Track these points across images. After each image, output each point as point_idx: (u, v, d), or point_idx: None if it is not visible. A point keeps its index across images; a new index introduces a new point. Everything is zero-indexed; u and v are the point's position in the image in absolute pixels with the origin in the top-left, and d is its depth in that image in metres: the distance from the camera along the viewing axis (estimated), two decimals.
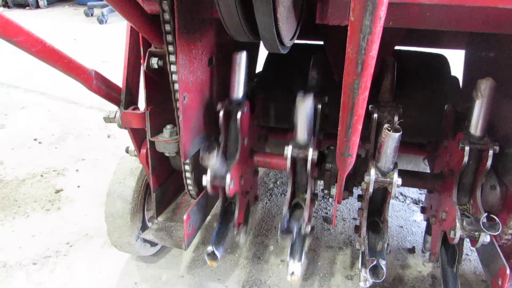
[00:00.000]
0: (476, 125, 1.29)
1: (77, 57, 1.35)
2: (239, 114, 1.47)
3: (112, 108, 1.61)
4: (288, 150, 1.40)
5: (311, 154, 1.38)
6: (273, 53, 2.26)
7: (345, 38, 0.73)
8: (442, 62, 2.16)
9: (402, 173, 1.57)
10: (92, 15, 7.56)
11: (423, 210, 1.70)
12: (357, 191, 1.64)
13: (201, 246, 2.03)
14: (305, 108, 1.31)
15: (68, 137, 3.15)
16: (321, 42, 2.02)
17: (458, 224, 1.25)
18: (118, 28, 6.66)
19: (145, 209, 1.82)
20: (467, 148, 1.27)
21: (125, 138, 2.98)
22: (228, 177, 1.41)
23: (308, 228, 1.57)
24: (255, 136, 1.75)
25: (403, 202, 2.34)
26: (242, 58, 1.47)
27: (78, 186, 2.49)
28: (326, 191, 1.62)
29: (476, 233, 1.23)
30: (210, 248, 1.48)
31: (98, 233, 2.09)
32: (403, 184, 1.67)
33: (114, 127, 3.12)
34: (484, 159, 1.29)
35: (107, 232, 1.75)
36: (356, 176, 1.56)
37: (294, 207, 1.64)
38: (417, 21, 1.19)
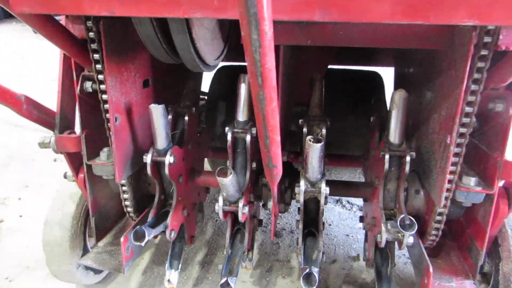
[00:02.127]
0: (394, 133, 1.38)
1: (26, 76, 1.34)
2: (166, 168, 1.44)
3: (48, 134, 1.60)
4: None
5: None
6: (220, 72, 2.34)
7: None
8: (376, 78, 2.30)
9: (335, 183, 1.65)
10: None
11: (361, 219, 1.77)
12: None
13: (149, 270, 1.99)
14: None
15: (12, 162, 3.03)
16: None
17: (383, 228, 1.32)
18: None
19: (87, 236, 1.79)
20: (387, 156, 1.36)
21: None
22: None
23: (250, 255, 1.60)
24: (192, 163, 1.74)
25: (349, 210, 2.42)
26: (157, 110, 1.39)
27: (20, 216, 2.40)
28: (264, 205, 1.66)
29: (400, 235, 1.30)
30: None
31: (40, 264, 2.00)
32: (337, 194, 1.74)
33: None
34: (403, 164, 1.37)
35: (46, 262, 1.70)
36: (292, 189, 1.61)
37: (237, 232, 1.67)
38: (333, 39, 1.28)
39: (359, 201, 2.49)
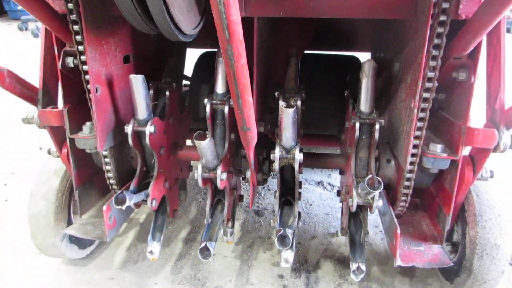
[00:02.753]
0: (364, 102, 1.44)
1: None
2: (147, 138, 1.49)
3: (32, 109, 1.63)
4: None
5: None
6: (202, 58, 2.39)
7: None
8: (354, 62, 2.37)
9: (311, 155, 1.71)
10: (26, 29, 7.47)
11: (338, 193, 1.83)
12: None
13: (133, 247, 2.03)
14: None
15: None
16: None
17: (354, 192, 1.38)
18: None
19: (71, 211, 1.82)
20: (357, 124, 1.42)
21: None
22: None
23: (230, 225, 1.66)
24: (174, 137, 1.79)
25: (330, 191, 2.49)
26: (137, 80, 1.44)
27: (6, 200, 2.42)
28: (243, 177, 1.71)
29: (370, 199, 1.37)
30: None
31: (26, 245, 2.04)
32: (312, 165, 1.80)
33: (46, 140, 3.08)
34: (373, 132, 1.44)
35: (30, 235, 1.73)
36: (270, 160, 1.66)
37: (217, 202, 1.73)
38: (304, 11, 1.34)
39: (339, 183, 2.56)
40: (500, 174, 1.65)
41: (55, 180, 1.73)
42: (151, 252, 1.61)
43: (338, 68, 2.33)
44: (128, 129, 1.49)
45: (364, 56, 2.31)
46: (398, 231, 1.35)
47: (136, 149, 1.56)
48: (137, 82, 1.42)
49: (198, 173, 1.44)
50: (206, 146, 1.31)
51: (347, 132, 1.64)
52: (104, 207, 1.51)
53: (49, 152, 1.77)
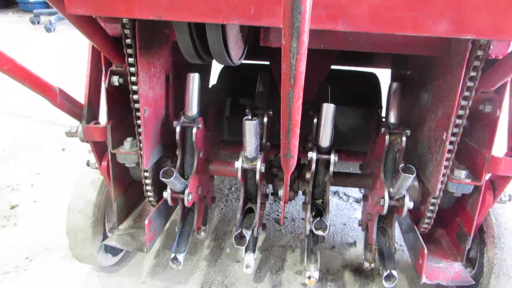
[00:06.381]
0: (393, 115, 1.58)
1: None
2: (194, 130, 1.62)
3: (71, 123, 1.71)
4: (239, 163, 1.58)
5: (259, 165, 1.56)
6: (225, 69, 2.49)
7: None
8: (373, 79, 2.48)
9: (337, 174, 1.81)
10: (38, 23, 7.33)
11: (359, 223, 1.91)
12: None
13: (161, 253, 2.13)
14: (250, 128, 1.46)
15: (20, 151, 3.13)
16: (267, 62, 2.26)
17: (385, 193, 1.47)
18: (67, 37, 6.53)
19: (106, 222, 1.91)
20: (387, 136, 1.53)
21: (80, 151, 3.05)
22: (186, 191, 1.57)
23: (260, 230, 1.76)
24: (210, 147, 1.91)
25: (346, 201, 2.59)
26: (195, 78, 1.62)
27: (34, 201, 2.51)
28: (275, 194, 1.81)
29: (400, 202, 1.47)
30: (173, 254, 1.63)
31: (58, 246, 2.13)
32: (339, 184, 1.90)
33: (68, 141, 3.17)
34: (401, 142, 1.55)
35: (68, 246, 1.82)
36: (299, 179, 1.77)
37: (247, 211, 1.83)
38: (343, 44, 1.43)
39: (355, 193, 2.66)
40: None
41: (92, 194, 1.81)
42: (176, 259, 1.66)
43: (359, 83, 2.43)
44: (177, 125, 1.61)
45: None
46: (425, 251, 1.46)
47: (179, 144, 1.66)
48: (195, 79, 1.59)
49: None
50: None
51: (371, 152, 1.74)
52: (146, 221, 1.61)
53: (88, 164, 1.85)
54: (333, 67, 2.43)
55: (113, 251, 1.93)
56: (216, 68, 2.33)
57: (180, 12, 1.08)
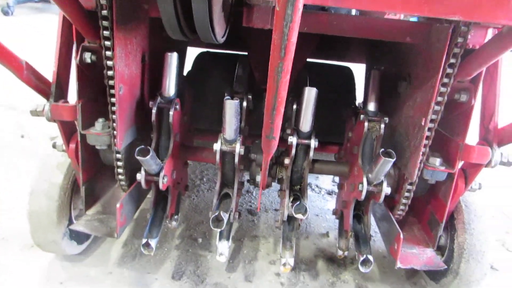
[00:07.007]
0: (371, 103, 1.60)
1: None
2: (171, 112, 1.57)
3: (38, 102, 1.60)
4: (218, 145, 1.53)
5: (238, 147, 1.53)
6: (200, 57, 2.43)
7: (265, 46, 0.89)
8: (348, 72, 2.50)
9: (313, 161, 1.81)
10: None
11: (334, 212, 1.93)
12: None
13: (129, 242, 2.05)
14: (231, 108, 1.43)
15: None
16: (245, 53, 2.23)
17: (364, 179, 1.47)
18: (26, 21, 6.38)
19: (72, 208, 1.81)
20: (366, 123, 1.54)
21: (41, 138, 2.88)
22: (161, 173, 1.51)
23: (236, 215, 1.72)
24: (186, 131, 1.86)
25: (318, 193, 2.61)
26: (173, 57, 1.57)
27: None
28: (251, 180, 1.78)
29: (378, 188, 1.48)
30: (144, 240, 1.56)
31: (16, 236, 2.00)
32: (317, 172, 1.89)
33: (28, 127, 3.00)
34: (379, 129, 1.57)
35: (30, 232, 1.71)
36: (277, 165, 1.75)
37: (223, 197, 1.78)
38: (327, 28, 1.42)
39: (327, 185, 2.68)
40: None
41: (58, 177, 1.71)
42: (147, 245, 1.59)
43: (333, 77, 2.45)
44: (154, 105, 1.54)
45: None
46: (401, 236, 1.48)
47: (155, 125, 1.60)
48: (173, 59, 1.54)
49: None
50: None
51: (347, 142, 1.75)
52: (118, 205, 1.53)
53: (54, 146, 1.74)
54: (309, 59, 2.46)
55: (78, 238, 1.83)
56: (190, 55, 2.28)
57: None
